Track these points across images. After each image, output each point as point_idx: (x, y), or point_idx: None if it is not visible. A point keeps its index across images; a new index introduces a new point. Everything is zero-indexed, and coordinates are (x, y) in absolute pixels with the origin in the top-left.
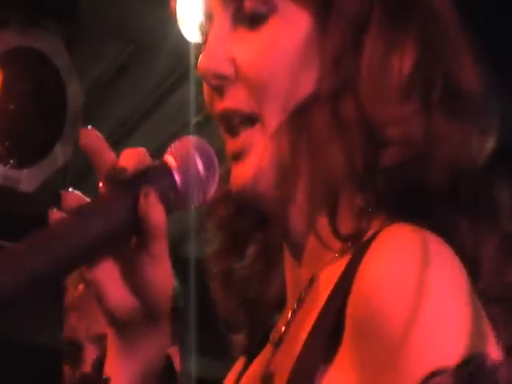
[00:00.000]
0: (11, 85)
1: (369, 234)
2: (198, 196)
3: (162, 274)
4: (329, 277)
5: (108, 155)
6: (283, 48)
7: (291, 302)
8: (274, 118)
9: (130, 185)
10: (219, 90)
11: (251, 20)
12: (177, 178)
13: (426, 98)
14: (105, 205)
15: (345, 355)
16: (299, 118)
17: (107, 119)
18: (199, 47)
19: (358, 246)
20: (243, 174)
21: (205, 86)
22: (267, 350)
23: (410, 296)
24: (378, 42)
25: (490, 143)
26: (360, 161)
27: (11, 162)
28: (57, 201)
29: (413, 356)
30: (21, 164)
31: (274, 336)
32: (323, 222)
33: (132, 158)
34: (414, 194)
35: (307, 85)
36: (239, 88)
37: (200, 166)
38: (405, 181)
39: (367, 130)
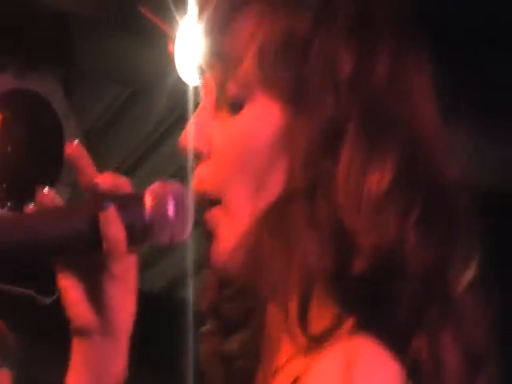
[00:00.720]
0: (9, 127)
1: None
2: (163, 234)
3: (121, 296)
4: (287, 374)
5: (90, 172)
6: (253, 139)
7: None
8: (237, 204)
9: (99, 200)
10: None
11: (231, 104)
12: (147, 211)
13: (403, 211)
14: (71, 212)
15: None
16: (271, 212)
17: (105, 162)
18: (197, 90)
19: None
20: (217, 252)
21: None
22: None
23: None
24: (354, 154)
25: (470, 271)
26: (330, 263)
27: (8, 204)
28: None
29: None
30: (18, 207)
31: None
32: (294, 316)
33: (109, 179)
34: (383, 300)
35: (278, 178)
36: (208, 166)
37: (171, 208)
38: (374, 288)
39: (340, 233)
